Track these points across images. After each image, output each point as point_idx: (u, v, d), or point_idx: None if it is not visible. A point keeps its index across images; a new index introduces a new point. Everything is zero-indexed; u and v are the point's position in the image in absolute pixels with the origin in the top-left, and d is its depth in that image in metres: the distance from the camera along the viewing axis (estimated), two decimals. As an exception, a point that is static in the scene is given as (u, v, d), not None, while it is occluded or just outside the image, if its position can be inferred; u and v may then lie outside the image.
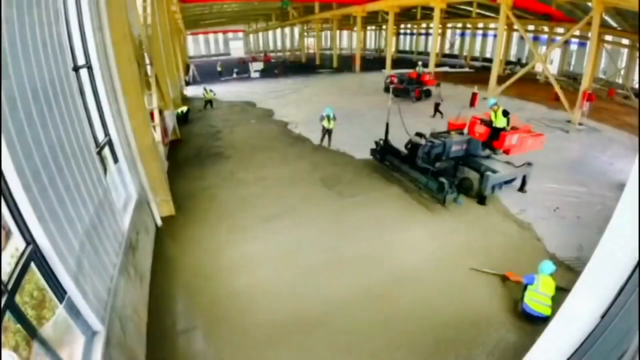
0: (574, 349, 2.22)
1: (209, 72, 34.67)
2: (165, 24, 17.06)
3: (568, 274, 5.79)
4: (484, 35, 42.55)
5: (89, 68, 5.21)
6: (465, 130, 8.98)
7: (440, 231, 7.18)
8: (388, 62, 28.75)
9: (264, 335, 4.74)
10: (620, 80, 24.65)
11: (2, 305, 2.25)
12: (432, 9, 25.35)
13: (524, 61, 35.32)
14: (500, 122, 8.34)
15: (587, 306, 2.17)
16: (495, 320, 5.01)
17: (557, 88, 16.73)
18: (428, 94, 19.47)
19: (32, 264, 2.74)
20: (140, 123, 6.50)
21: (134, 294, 4.63)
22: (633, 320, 1.83)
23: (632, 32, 20.96)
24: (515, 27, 21.71)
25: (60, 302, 2.99)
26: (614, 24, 23.41)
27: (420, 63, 20.99)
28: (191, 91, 25.44)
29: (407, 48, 55.08)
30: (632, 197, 1.91)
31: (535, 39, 32.56)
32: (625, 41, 23.70)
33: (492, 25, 36.54)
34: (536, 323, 4.79)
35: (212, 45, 67.08)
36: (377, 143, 10.14)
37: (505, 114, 8.27)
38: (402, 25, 51.35)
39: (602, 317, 2.08)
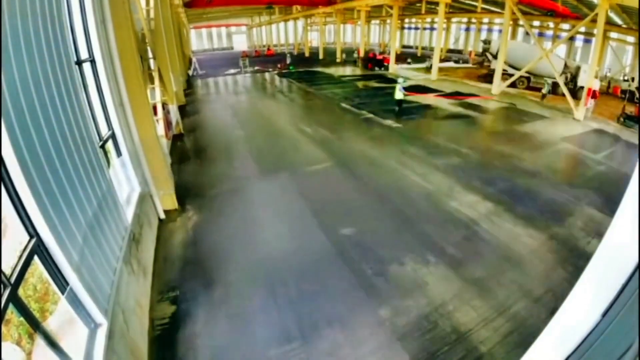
0: (574, 347, 2.21)
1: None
2: (168, 18, 16.98)
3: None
4: (489, 31, 42.24)
5: (92, 62, 5.21)
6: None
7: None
8: (392, 57, 28.60)
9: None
10: (625, 78, 24.42)
11: (5, 298, 2.26)
12: (436, 3, 25.15)
13: (528, 57, 34.95)
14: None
15: (588, 304, 2.16)
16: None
17: (562, 86, 16.63)
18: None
19: (36, 257, 2.75)
20: (143, 117, 6.48)
21: (137, 287, 4.65)
22: (635, 319, 1.82)
23: (637, 30, 20.76)
24: (521, 22, 21.51)
25: (63, 295, 3.01)
26: (619, 21, 23.18)
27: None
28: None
29: (412, 43, 54.75)
30: (633, 195, 1.90)
31: (541, 35, 32.29)
32: (630, 39, 23.48)
33: (497, 20, 36.24)
34: None
35: (215, 39, 66.87)
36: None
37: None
38: (407, 20, 50.94)
39: (603, 315, 2.07)
